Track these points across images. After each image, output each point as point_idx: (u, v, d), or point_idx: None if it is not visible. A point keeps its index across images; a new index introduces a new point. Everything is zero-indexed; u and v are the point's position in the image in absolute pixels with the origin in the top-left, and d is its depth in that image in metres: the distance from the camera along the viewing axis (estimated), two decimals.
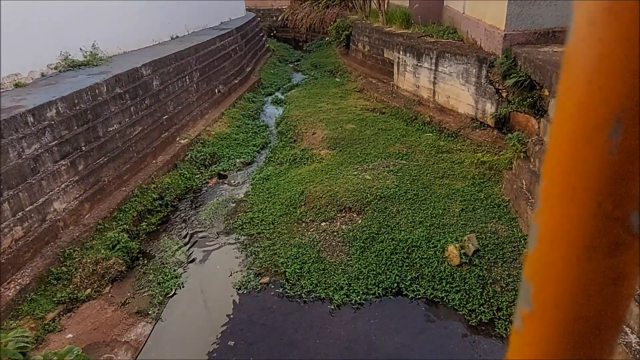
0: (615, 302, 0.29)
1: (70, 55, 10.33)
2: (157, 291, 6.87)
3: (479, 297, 6.27)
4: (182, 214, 9.14)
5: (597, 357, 0.30)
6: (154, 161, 10.20)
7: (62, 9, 10.03)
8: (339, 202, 8.42)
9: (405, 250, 7.12)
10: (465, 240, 7.01)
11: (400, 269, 6.87)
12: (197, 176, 10.55)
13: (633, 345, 4.69)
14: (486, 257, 6.79)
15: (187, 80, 12.68)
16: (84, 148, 8.21)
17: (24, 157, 6.96)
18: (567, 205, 0.28)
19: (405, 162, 9.83)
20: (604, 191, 0.26)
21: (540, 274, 0.31)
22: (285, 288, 6.81)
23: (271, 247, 7.64)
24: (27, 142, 7.05)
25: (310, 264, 7.11)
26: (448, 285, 6.53)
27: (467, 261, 6.76)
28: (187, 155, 11.05)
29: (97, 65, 10.62)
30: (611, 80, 0.24)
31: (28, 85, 8.85)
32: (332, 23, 22.08)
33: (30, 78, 9.19)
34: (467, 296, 6.33)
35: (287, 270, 7.05)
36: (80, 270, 6.87)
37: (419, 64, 12.60)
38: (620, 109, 0.24)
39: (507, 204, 8.00)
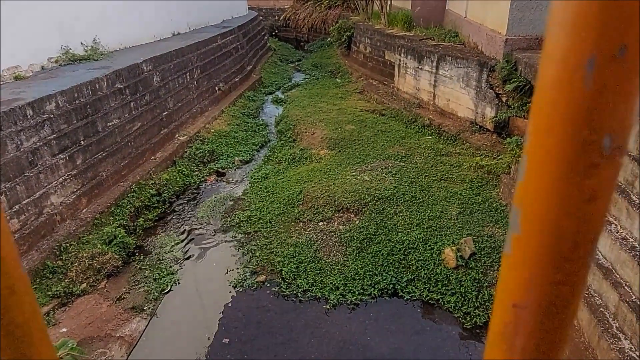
0: (591, 219, 0.35)
1: (71, 49, 10.32)
2: (152, 287, 6.87)
3: (474, 300, 6.28)
4: (180, 211, 9.13)
5: (576, 272, 0.36)
6: (153, 157, 10.20)
7: (64, 2, 10.01)
8: (336, 202, 8.42)
9: (402, 251, 7.13)
10: (462, 243, 7.03)
11: (396, 270, 6.88)
12: (196, 173, 10.55)
13: (626, 351, 4.70)
14: (482, 261, 6.81)
15: (188, 77, 12.67)
16: (82, 142, 8.20)
17: (22, 150, 6.94)
18: (551, 135, 0.33)
19: (403, 164, 9.84)
20: (581, 119, 0.32)
21: (528, 199, 0.36)
22: (281, 287, 6.81)
23: (268, 246, 7.64)
24: (25, 135, 7.04)
25: (306, 264, 7.11)
26: (444, 288, 6.53)
27: (463, 264, 6.77)
28: (186, 152, 11.04)
29: (97, 60, 10.61)
30: (587, 28, 0.31)
31: (28, 78, 8.83)
32: (334, 24, 22.10)
33: (30, 71, 9.17)
34: (462, 299, 6.34)
35: (283, 269, 7.05)
36: (76, 264, 6.85)
37: (420, 67, 12.62)
38: (594, 50, 0.31)
39: (505, 208, 8.01)
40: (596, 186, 0.33)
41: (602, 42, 0.31)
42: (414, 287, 6.63)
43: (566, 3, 0.31)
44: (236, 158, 11.30)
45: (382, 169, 9.62)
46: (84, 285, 6.68)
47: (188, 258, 7.72)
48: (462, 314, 6.19)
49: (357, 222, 7.96)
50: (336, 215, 8.24)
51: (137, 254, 7.64)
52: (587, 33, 0.31)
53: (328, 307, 6.45)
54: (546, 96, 0.33)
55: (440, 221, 7.73)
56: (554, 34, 0.32)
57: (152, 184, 9.31)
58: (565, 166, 0.33)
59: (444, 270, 6.74)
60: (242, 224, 8.36)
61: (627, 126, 0.33)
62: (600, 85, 0.31)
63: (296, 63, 22.59)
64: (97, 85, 8.86)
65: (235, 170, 10.90)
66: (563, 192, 0.34)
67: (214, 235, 8.29)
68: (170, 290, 6.92)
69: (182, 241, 8.14)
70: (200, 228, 8.53)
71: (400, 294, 6.59)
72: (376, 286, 6.66)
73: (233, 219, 8.56)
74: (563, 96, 0.32)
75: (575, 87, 0.32)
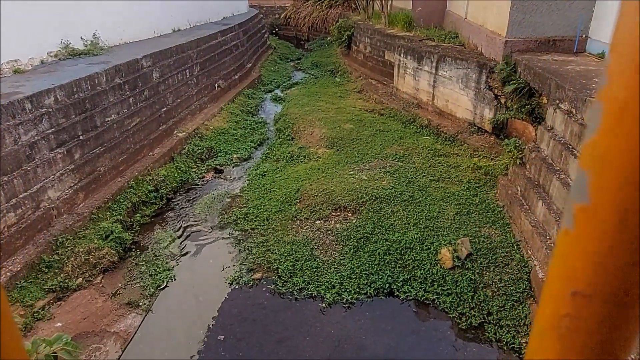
0: None
1: (70, 43, 10.29)
2: (148, 283, 6.86)
3: (469, 301, 6.29)
4: (177, 207, 9.12)
5: None
6: (151, 153, 10.18)
7: None
8: (334, 201, 8.43)
9: (399, 251, 7.14)
10: (458, 244, 7.04)
11: (392, 269, 6.88)
12: (194, 170, 10.53)
13: None
14: (478, 261, 6.82)
15: (187, 73, 12.65)
16: (80, 137, 8.18)
17: (20, 143, 6.92)
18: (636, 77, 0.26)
19: (401, 163, 9.85)
20: None
21: (601, 160, 0.28)
22: (278, 285, 6.81)
23: (265, 244, 7.64)
24: (23, 129, 7.02)
25: (303, 262, 7.11)
26: (440, 288, 6.54)
27: (459, 264, 6.78)
28: (184, 148, 11.02)
29: (97, 54, 10.58)
30: None
31: (27, 72, 8.81)
32: (334, 23, 22.09)
33: (29, 65, 9.15)
34: (458, 299, 6.35)
35: (279, 267, 7.05)
36: (72, 259, 6.84)
37: (419, 67, 12.63)
38: None
39: (502, 209, 8.03)
40: None
41: None
42: (410, 287, 6.64)
43: None
44: (234, 155, 11.29)
45: (380, 168, 9.63)
46: (80, 280, 6.67)
47: (184, 254, 7.71)
48: (457, 314, 6.20)
49: (354, 221, 7.96)
50: (333, 213, 8.24)
51: (133, 250, 7.63)
52: None
53: (324, 305, 6.45)
54: (632, 34, 0.26)
55: (437, 221, 7.74)
56: None
57: (149, 179, 9.30)
58: None
59: (440, 271, 6.75)
60: (239, 221, 8.36)
61: None
62: None
63: (296, 61, 22.56)
64: (96, 80, 8.84)
65: (233, 167, 10.90)
66: None
67: (211, 232, 8.29)
68: (166, 286, 6.92)
69: (178, 237, 8.13)
70: (197, 225, 8.52)
71: (396, 293, 6.60)
72: (372, 285, 6.67)
73: (230, 216, 8.55)
74: None
75: None
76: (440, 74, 11.81)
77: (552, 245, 6.27)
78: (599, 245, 0.29)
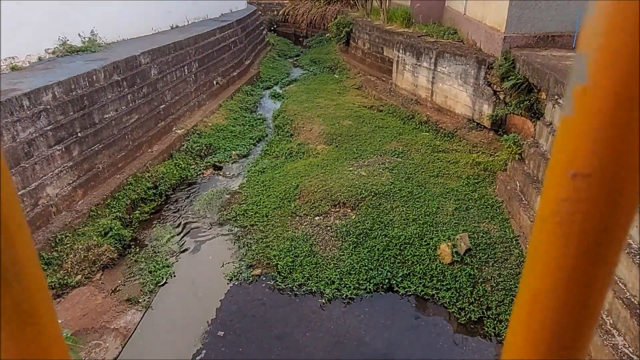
0: None
1: (68, 40, 10.25)
2: (148, 279, 6.86)
3: (469, 296, 6.30)
4: (176, 204, 9.11)
5: None
6: (150, 150, 10.16)
7: None
8: (333, 197, 8.43)
9: (398, 247, 7.15)
10: (457, 239, 7.05)
11: (392, 265, 6.89)
12: (192, 167, 10.52)
13: (620, 347, 4.74)
14: (477, 257, 6.83)
15: (186, 70, 12.62)
16: (79, 134, 8.16)
17: (18, 140, 6.90)
18: None
19: (400, 160, 9.85)
20: None
21: (598, 40, 0.28)
22: (277, 281, 6.82)
23: (264, 240, 7.64)
24: (21, 126, 7.00)
25: (302, 258, 7.12)
26: (439, 283, 6.56)
27: (458, 260, 6.80)
28: (183, 145, 11.01)
29: (95, 51, 10.55)
30: None
31: (25, 69, 8.77)
32: (332, 19, 22.06)
33: (27, 62, 9.11)
34: (457, 294, 6.36)
35: (279, 263, 7.05)
36: (71, 256, 6.83)
37: (418, 64, 12.62)
38: None
39: (500, 204, 8.04)
40: None
41: None
42: (409, 282, 6.65)
43: None
44: (233, 152, 11.28)
45: (379, 164, 9.63)
46: (79, 276, 6.67)
47: (184, 251, 7.71)
48: (456, 309, 6.21)
49: (354, 217, 7.97)
50: (332, 209, 8.24)
51: (132, 247, 7.62)
52: None
53: (323, 301, 6.46)
54: None
55: (437, 217, 7.75)
56: None
57: (148, 176, 9.28)
58: None
59: (439, 266, 6.76)
60: (238, 218, 8.36)
61: None
62: None
63: (294, 58, 22.52)
64: (94, 77, 8.81)
65: (232, 164, 10.89)
66: None
67: (210, 228, 8.29)
68: (165, 282, 6.92)
69: (178, 234, 8.12)
70: (197, 221, 8.52)
71: (396, 289, 6.61)
72: (372, 281, 6.68)
73: (229, 213, 8.55)
74: None
75: None
76: (439, 70, 11.80)
77: None
78: (597, 124, 0.29)
